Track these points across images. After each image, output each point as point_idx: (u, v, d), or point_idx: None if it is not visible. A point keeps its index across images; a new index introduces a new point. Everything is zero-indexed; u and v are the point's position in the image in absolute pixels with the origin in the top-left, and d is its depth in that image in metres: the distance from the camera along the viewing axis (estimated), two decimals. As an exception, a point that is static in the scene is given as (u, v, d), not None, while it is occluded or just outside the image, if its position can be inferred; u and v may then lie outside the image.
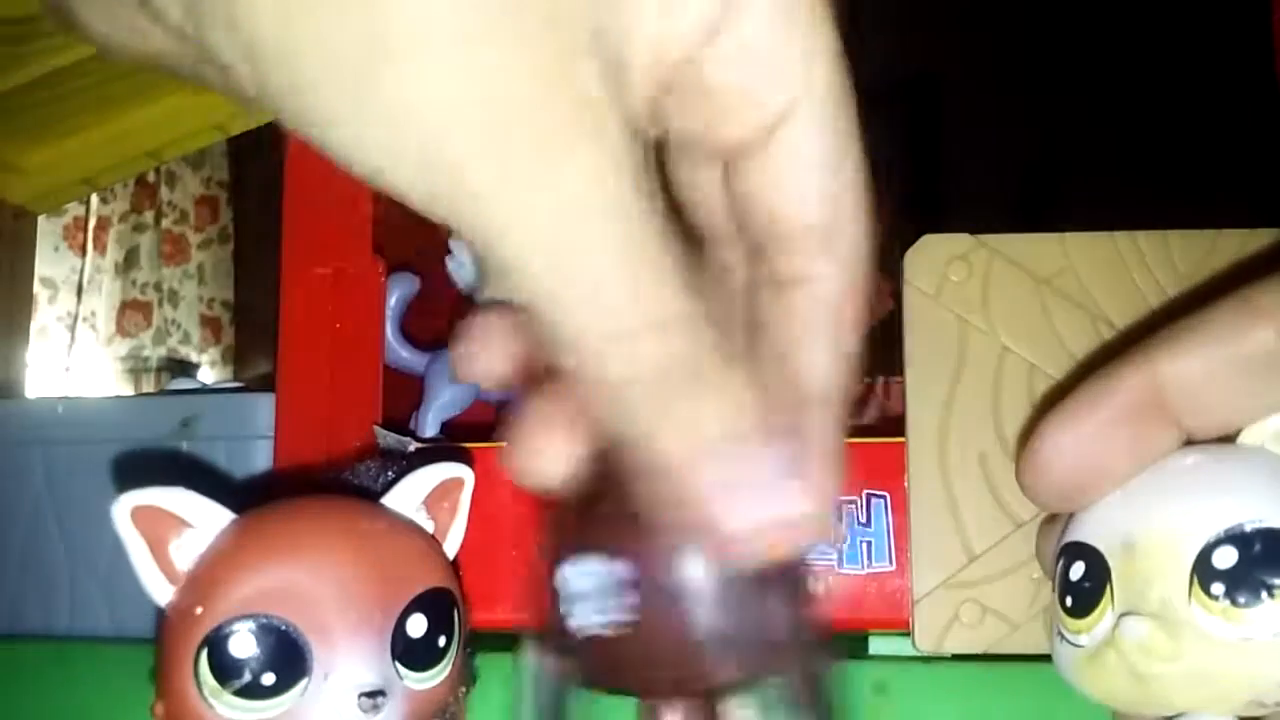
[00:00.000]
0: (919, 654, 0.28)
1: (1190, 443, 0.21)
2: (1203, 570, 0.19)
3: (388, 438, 0.30)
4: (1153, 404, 0.20)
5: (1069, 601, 0.22)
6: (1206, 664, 0.19)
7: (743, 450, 0.17)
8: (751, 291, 0.20)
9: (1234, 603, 0.19)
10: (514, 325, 0.20)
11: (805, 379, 0.20)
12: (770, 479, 0.17)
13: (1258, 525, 0.19)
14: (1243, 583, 0.19)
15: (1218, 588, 0.19)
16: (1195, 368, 0.20)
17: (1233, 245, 0.29)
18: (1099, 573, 0.21)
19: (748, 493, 0.17)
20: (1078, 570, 0.22)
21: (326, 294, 0.31)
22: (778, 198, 0.19)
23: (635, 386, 0.17)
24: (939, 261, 0.29)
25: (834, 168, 0.19)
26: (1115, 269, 0.29)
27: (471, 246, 0.18)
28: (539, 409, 0.20)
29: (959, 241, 0.29)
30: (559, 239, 0.16)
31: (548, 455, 0.20)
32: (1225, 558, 0.19)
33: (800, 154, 0.18)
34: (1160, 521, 0.20)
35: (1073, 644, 0.22)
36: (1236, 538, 0.19)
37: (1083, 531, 0.22)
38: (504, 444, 0.20)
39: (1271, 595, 0.19)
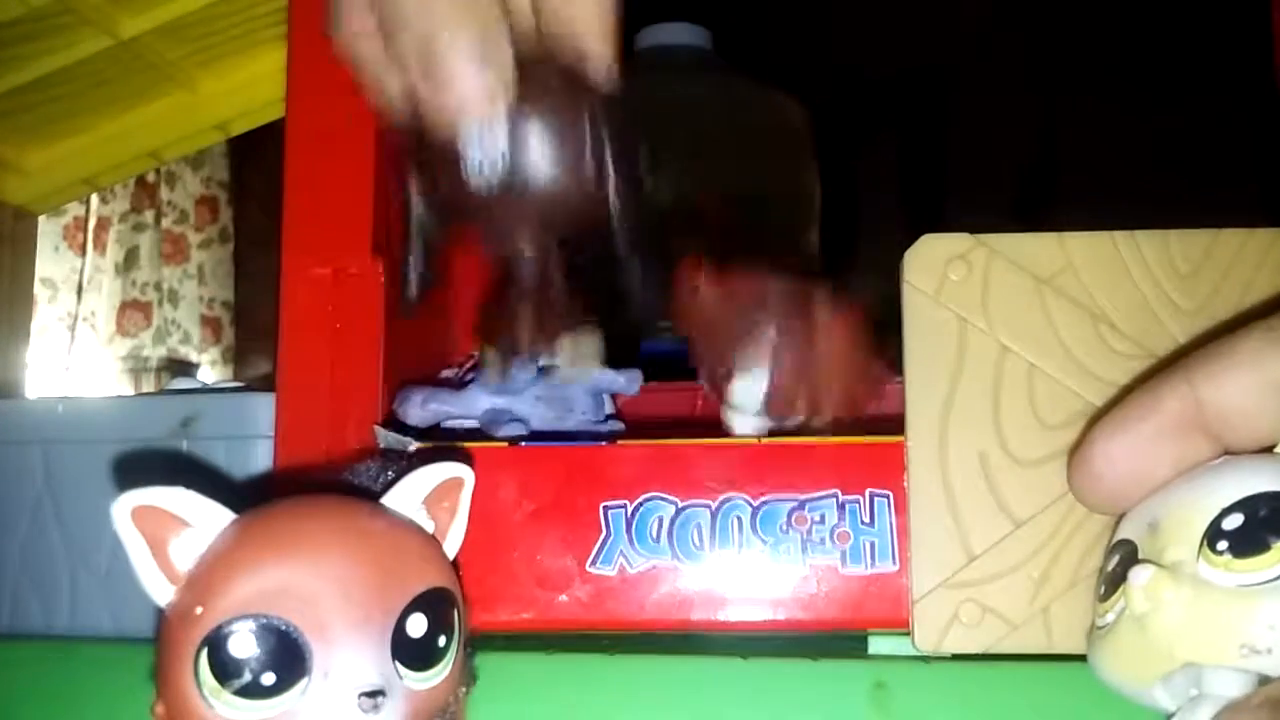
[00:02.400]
0: (918, 654, 0.28)
1: (1229, 454, 0.23)
2: (1212, 534, 0.21)
3: (388, 437, 0.30)
4: (1194, 422, 0.22)
5: (1102, 590, 0.23)
6: (1204, 609, 0.21)
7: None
8: None
9: (1235, 556, 0.20)
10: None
11: (575, 20, 0.28)
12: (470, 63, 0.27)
13: (1263, 490, 0.21)
14: (1246, 540, 0.20)
15: (1222, 545, 0.21)
16: (1229, 393, 0.22)
17: (1233, 245, 0.29)
18: (1128, 558, 0.23)
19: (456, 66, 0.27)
20: (1113, 562, 0.23)
21: (326, 294, 0.31)
22: None
23: None
24: (938, 261, 0.29)
25: None
26: (1115, 269, 0.29)
27: None
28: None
29: (958, 241, 0.29)
30: None
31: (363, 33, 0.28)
32: (1233, 521, 0.21)
33: None
34: (1180, 500, 0.22)
35: (1099, 627, 0.23)
36: (1244, 503, 0.21)
37: (1121, 530, 0.24)
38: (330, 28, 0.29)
39: (1269, 548, 0.20)
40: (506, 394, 0.34)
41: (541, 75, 0.29)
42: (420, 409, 0.33)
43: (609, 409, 0.37)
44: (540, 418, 0.34)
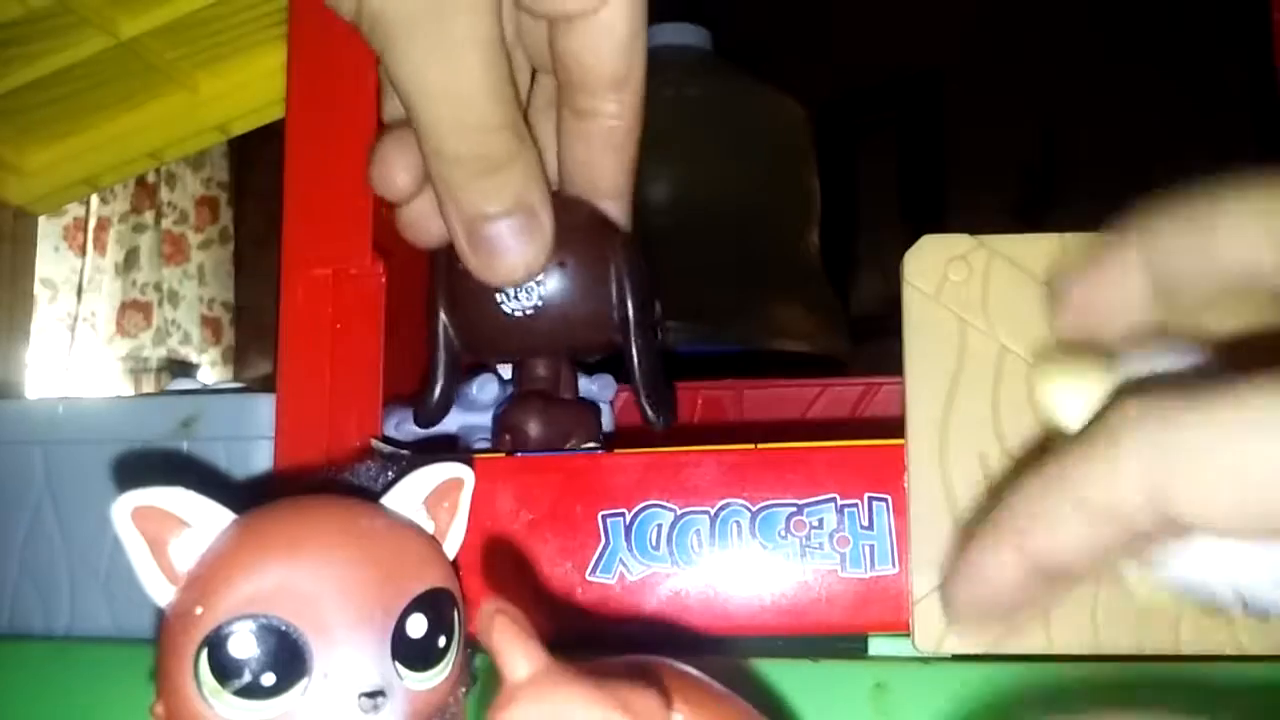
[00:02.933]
0: (918, 655, 0.28)
1: None
2: None
3: (384, 451, 0.30)
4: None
5: None
6: None
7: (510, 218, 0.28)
8: (561, 118, 0.31)
9: None
10: (411, 143, 0.29)
11: (599, 180, 0.31)
12: (514, 238, 0.28)
13: None
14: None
15: None
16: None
17: (1232, 246, 0.29)
18: None
19: (500, 241, 0.28)
20: None
21: (326, 294, 0.31)
22: (590, 55, 0.29)
23: (468, 163, 0.28)
24: (938, 261, 0.29)
25: (631, 40, 0.29)
26: None
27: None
28: (398, 137, 0.30)
29: (959, 241, 0.29)
30: (450, 60, 0.27)
31: (398, 166, 0.30)
32: None
33: (612, 28, 0.29)
34: None
35: None
36: None
37: None
38: (372, 162, 0.31)
39: None
40: (479, 411, 0.34)
41: (569, 214, 0.30)
42: (396, 430, 0.33)
43: (607, 417, 0.37)
44: None
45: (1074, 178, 1.58)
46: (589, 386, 0.36)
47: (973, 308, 0.29)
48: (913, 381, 0.29)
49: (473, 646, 0.26)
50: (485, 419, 0.34)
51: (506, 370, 0.36)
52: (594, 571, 0.29)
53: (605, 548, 0.29)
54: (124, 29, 0.49)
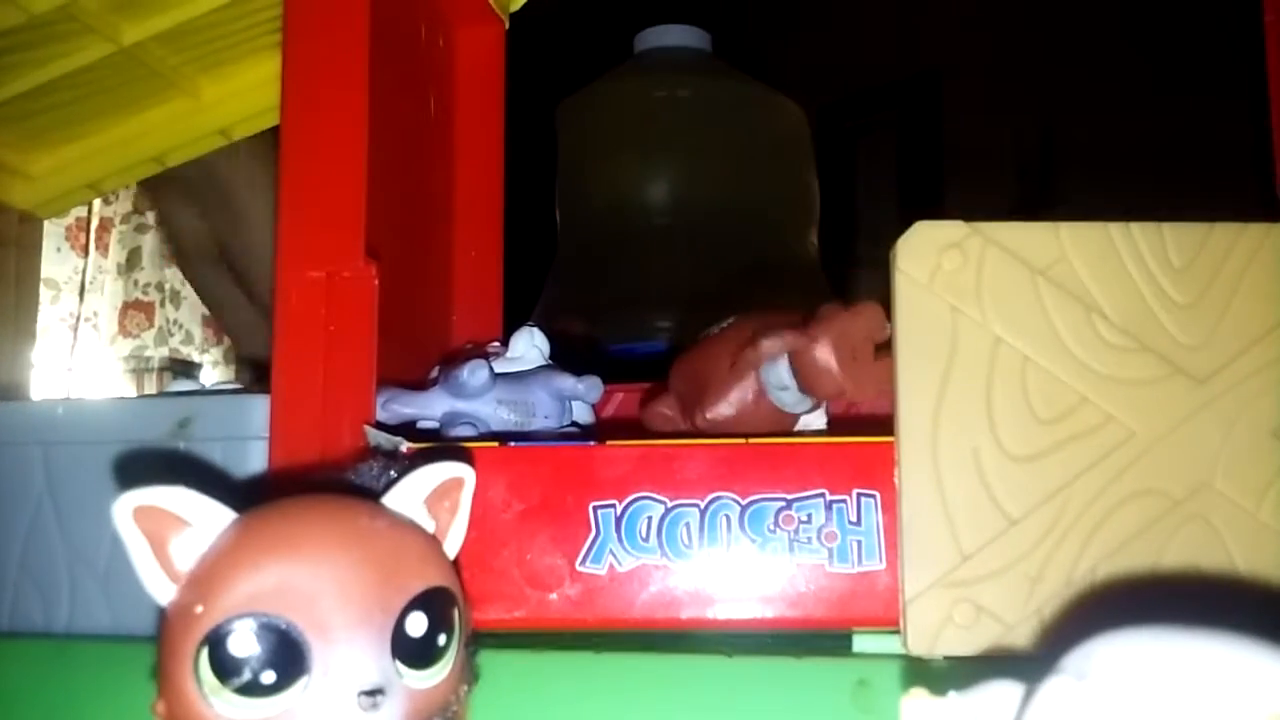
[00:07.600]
0: (901, 651, 0.28)
1: None
2: None
3: (377, 437, 0.30)
4: None
5: None
6: None
7: None
8: None
9: None
10: None
11: None
12: None
13: None
14: None
15: None
16: None
17: (1226, 239, 0.29)
18: None
19: None
20: None
21: (320, 297, 0.32)
22: None
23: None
24: (932, 249, 0.29)
25: None
26: (1109, 260, 0.28)
27: None
28: None
29: (953, 229, 0.29)
30: None
31: None
32: None
33: None
34: None
35: None
36: None
37: None
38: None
39: None
40: (467, 397, 0.34)
41: None
42: (381, 409, 0.33)
43: (588, 418, 0.38)
44: (502, 421, 0.35)
45: (1073, 177, 1.57)
46: (576, 387, 0.36)
47: (966, 296, 0.28)
48: (904, 373, 0.28)
49: (474, 645, 0.26)
50: (472, 406, 0.35)
51: (497, 360, 0.36)
52: (584, 562, 0.29)
53: (596, 538, 0.29)
54: (126, 35, 0.49)
